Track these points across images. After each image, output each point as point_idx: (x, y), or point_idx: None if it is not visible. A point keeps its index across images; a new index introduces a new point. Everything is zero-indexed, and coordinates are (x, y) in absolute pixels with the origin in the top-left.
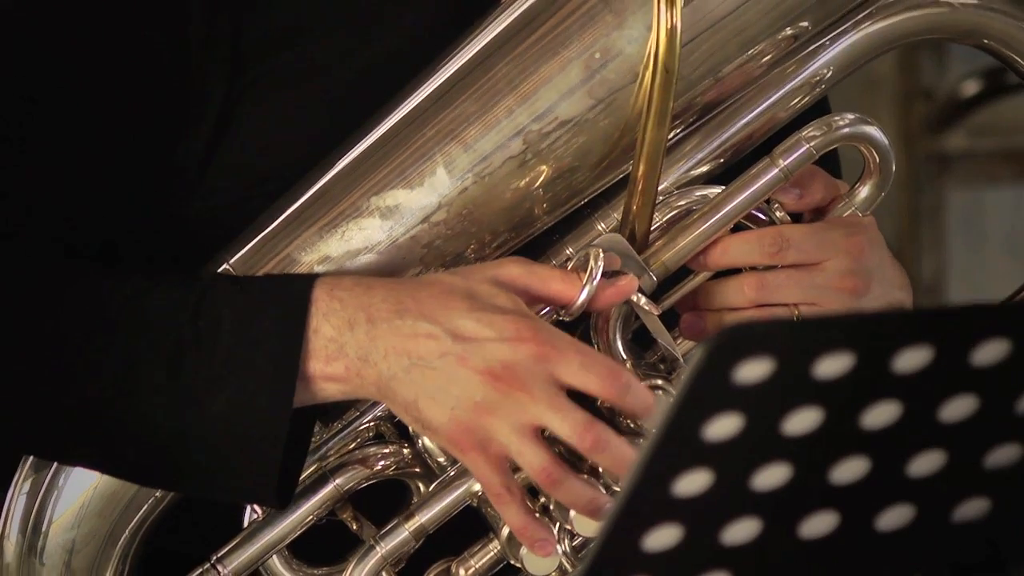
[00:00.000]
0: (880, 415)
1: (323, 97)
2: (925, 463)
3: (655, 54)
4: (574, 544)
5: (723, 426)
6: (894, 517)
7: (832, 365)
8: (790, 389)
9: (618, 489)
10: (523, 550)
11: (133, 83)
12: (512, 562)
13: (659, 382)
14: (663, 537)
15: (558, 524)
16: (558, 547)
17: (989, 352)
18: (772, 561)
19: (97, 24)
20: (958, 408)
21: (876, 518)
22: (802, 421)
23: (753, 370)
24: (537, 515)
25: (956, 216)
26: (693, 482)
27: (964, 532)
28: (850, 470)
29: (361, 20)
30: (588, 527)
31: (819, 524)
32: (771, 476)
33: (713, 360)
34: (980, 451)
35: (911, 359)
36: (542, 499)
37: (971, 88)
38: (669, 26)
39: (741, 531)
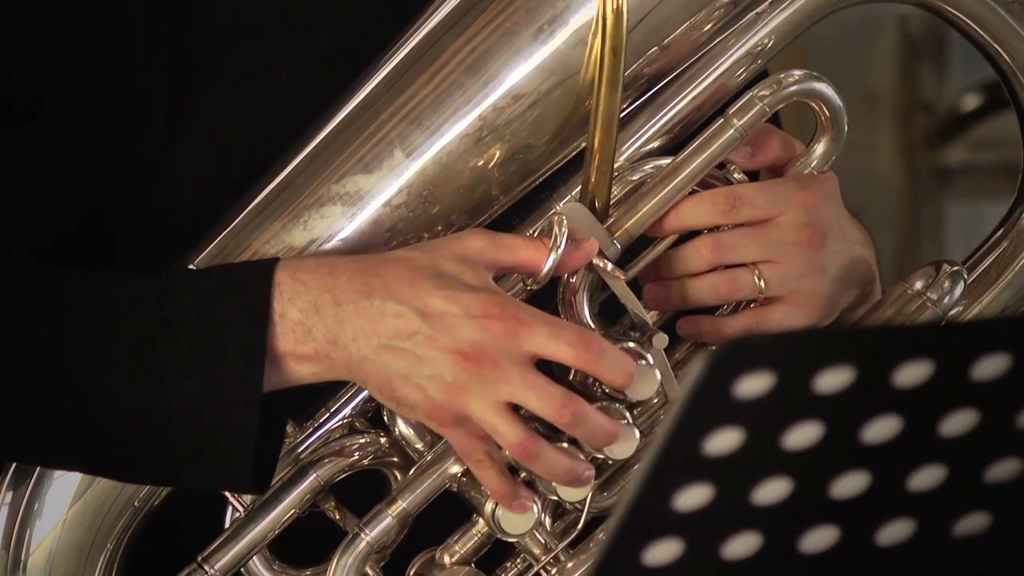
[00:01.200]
0: (880, 429)
1: (274, 92)
2: (925, 478)
3: (603, 29)
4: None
5: (723, 440)
6: (894, 532)
7: (832, 379)
8: (790, 403)
9: (599, 456)
10: (499, 510)
11: (78, 84)
12: (497, 535)
13: (631, 345)
14: (663, 552)
15: (543, 497)
16: (534, 506)
17: (989, 367)
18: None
19: (37, 27)
20: (958, 422)
21: (876, 533)
22: (802, 435)
23: (753, 384)
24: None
25: (956, 230)
26: (693, 497)
27: (965, 547)
28: (850, 485)
29: (304, 14)
30: (574, 494)
31: (819, 539)
32: (771, 491)
33: (713, 374)
34: (980, 466)
35: (911, 373)
36: (523, 474)
37: (971, 102)
38: (615, 6)
39: (742, 546)
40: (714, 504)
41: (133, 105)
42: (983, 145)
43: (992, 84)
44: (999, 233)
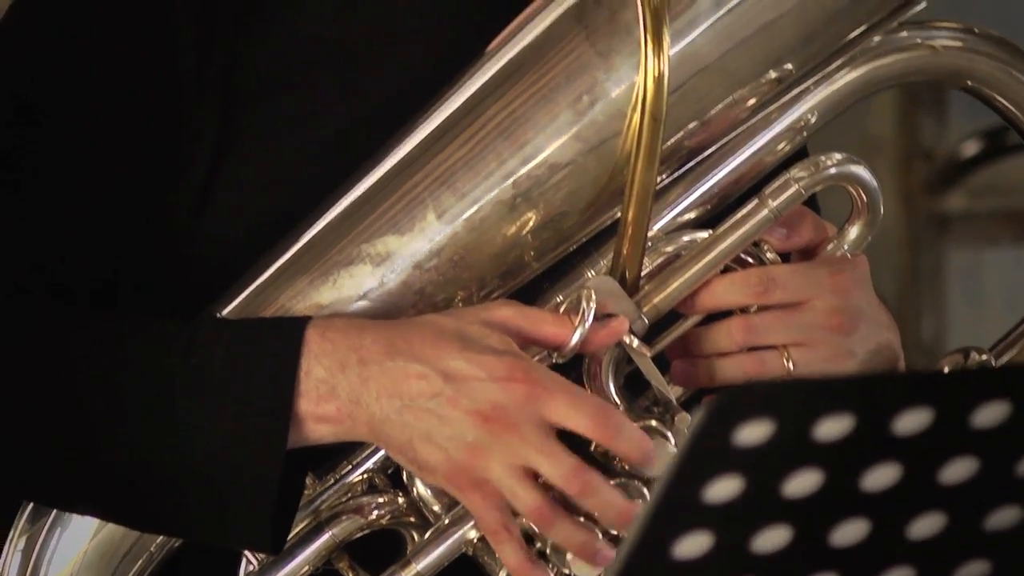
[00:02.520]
0: (880, 477)
1: (314, 145)
2: (925, 525)
3: (643, 100)
4: None
5: (723, 488)
6: None
7: (832, 427)
8: (790, 451)
9: (614, 534)
10: None
11: (125, 124)
12: None
13: (653, 423)
14: None
15: (555, 569)
16: None
17: (989, 415)
18: None
19: (89, 63)
20: (958, 470)
21: None
22: (802, 483)
23: (753, 432)
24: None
25: (956, 276)
26: (693, 544)
27: None
28: (850, 532)
29: (350, 68)
30: (586, 570)
31: None
32: (771, 538)
33: (713, 422)
34: (981, 514)
35: (911, 421)
36: (538, 544)
37: (971, 148)
38: (656, 74)
39: None
40: (714, 552)
41: (180, 145)
42: (983, 192)
43: (992, 131)
44: None
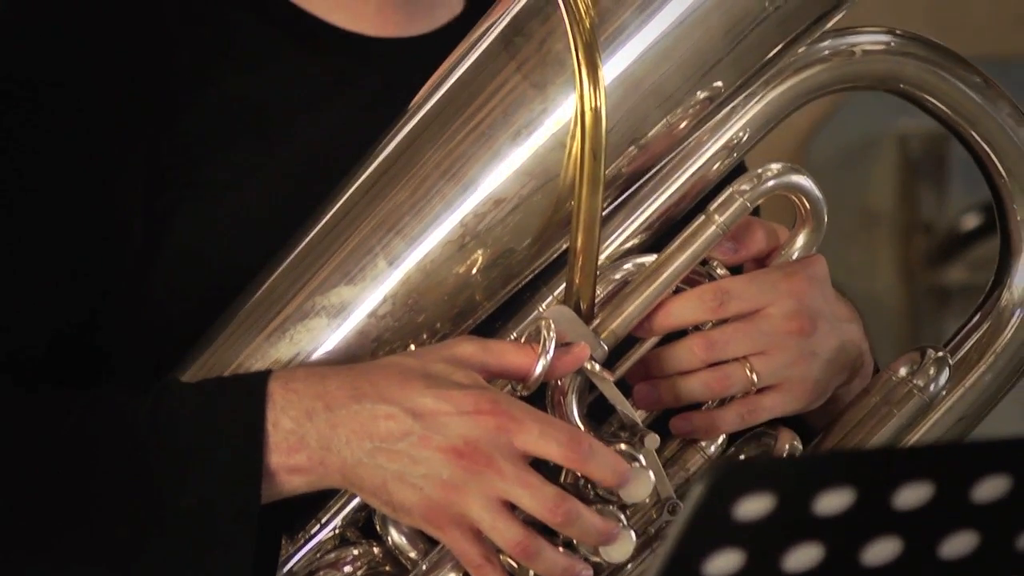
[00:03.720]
0: (881, 551)
1: (249, 202)
2: None
3: (582, 133)
4: None
5: (724, 562)
6: None
7: (832, 501)
8: (790, 525)
9: (596, 560)
10: None
11: (58, 197)
12: None
13: (622, 447)
14: None
15: None
16: None
17: (989, 488)
18: None
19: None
20: (959, 544)
21: None
22: (802, 557)
23: (753, 506)
24: None
25: None
26: None
27: None
28: None
29: (274, 126)
30: None
31: None
32: None
33: (713, 496)
34: None
35: (911, 495)
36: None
37: (971, 222)
38: (593, 107)
39: None
40: None
41: (112, 213)
42: (983, 265)
43: (991, 204)
44: (978, 315)
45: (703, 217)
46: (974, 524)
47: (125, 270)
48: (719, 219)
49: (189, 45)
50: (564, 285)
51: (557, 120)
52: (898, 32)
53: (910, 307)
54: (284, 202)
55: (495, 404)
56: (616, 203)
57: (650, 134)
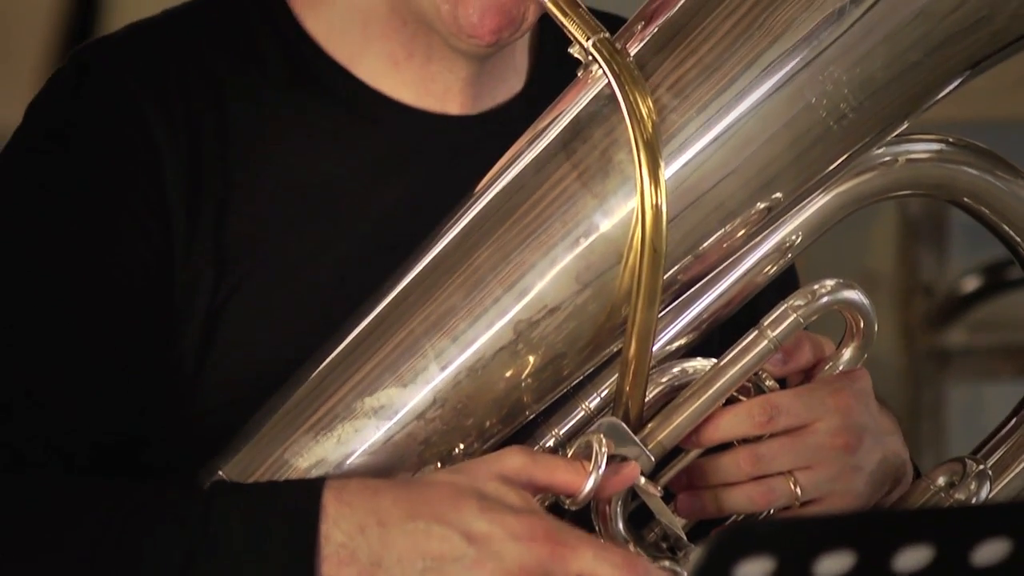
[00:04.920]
0: None
1: (306, 287)
2: None
3: (642, 234)
4: None
5: None
6: None
7: (833, 564)
8: None
9: None
10: None
11: (122, 284)
12: None
13: (666, 563)
14: None
15: None
16: None
17: (990, 551)
18: None
19: (83, 225)
20: None
21: None
22: None
23: (754, 569)
24: None
25: (956, 412)
26: None
27: None
28: None
29: (335, 208)
30: None
31: None
32: None
33: (714, 559)
34: None
35: (912, 558)
36: None
37: (971, 284)
38: (654, 204)
39: None
40: None
41: (176, 307)
42: (983, 327)
43: (991, 266)
44: (1015, 420)
45: (756, 332)
46: None
47: (186, 354)
48: (772, 334)
49: (252, 126)
50: (609, 384)
51: (615, 229)
52: (951, 140)
53: (910, 369)
54: (343, 286)
55: (549, 531)
56: (669, 307)
57: (707, 244)
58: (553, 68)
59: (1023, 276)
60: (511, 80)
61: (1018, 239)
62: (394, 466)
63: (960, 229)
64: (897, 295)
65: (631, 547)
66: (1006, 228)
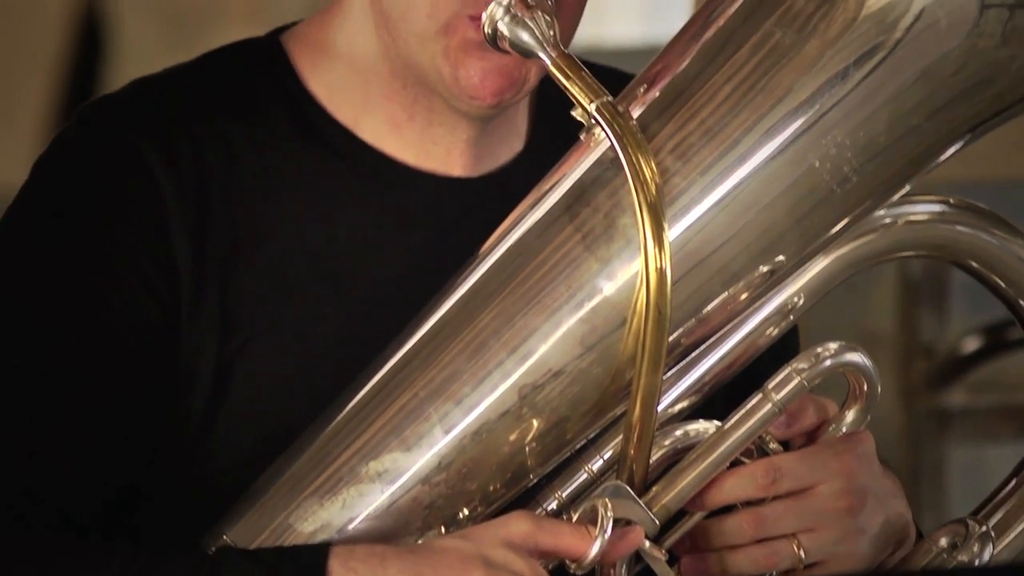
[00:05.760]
0: None
1: (310, 352)
2: None
3: (647, 297)
4: None
5: None
6: None
7: None
8: None
9: None
10: None
11: (126, 347)
12: None
13: None
14: None
15: None
16: None
17: None
18: None
19: (90, 289)
20: None
21: None
22: None
23: None
24: None
25: (957, 473)
26: None
27: None
28: None
29: (338, 273)
30: None
31: None
32: None
33: None
34: None
35: None
36: None
37: (971, 344)
38: (659, 267)
39: None
40: None
41: (182, 368)
42: (983, 388)
43: (991, 327)
44: (1014, 482)
45: (760, 395)
46: None
47: (188, 422)
48: (776, 397)
49: (258, 184)
50: (612, 446)
51: (619, 292)
52: (952, 201)
53: (910, 429)
54: (347, 347)
55: None
56: (672, 370)
57: (710, 307)
58: (553, 128)
59: (1023, 336)
60: (512, 141)
61: (1018, 299)
62: (399, 531)
63: (960, 289)
64: (898, 355)
65: None
66: (1006, 288)
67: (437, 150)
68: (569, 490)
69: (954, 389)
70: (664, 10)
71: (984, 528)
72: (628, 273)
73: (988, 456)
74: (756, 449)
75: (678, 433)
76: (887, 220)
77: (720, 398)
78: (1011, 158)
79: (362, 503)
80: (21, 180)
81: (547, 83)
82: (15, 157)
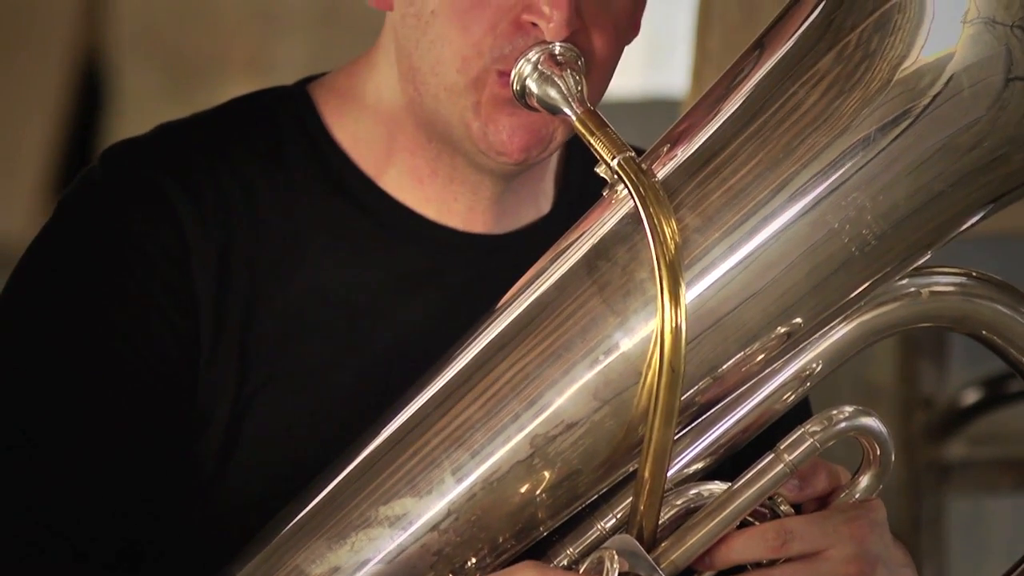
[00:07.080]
0: None
1: (327, 396)
2: None
3: (661, 354)
4: None
5: None
6: None
7: None
8: None
9: None
10: None
11: (146, 384)
12: None
13: None
14: None
15: None
16: None
17: None
18: None
19: (111, 325)
20: None
21: None
22: None
23: None
24: None
25: (956, 525)
26: None
27: None
28: None
29: (358, 318)
30: None
31: None
32: None
33: None
34: None
35: None
36: None
37: (971, 397)
38: (674, 325)
39: None
40: None
41: (199, 408)
42: (983, 440)
43: (992, 379)
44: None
45: (772, 455)
46: None
47: (206, 458)
48: (788, 458)
49: (280, 232)
50: (625, 506)
51: (635, 347)
52: (974, 274)
53: (909, 482)
54: (363, 395)
55: None
56: (684, 430)
57: (726, 367)
58: (580, 194)
59: (1023, 389)
60: (539, 202)
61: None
62: None
63: (960, 342)
64: (897, 408)
65: None
66: (1017, 355)
67: (458, 207)
68: (581, 547)
69: (954, 441)
70: (664, 64)
71: None
72: (645, 329)
73: (988, 508)
74: (768, 511)
75: (691, 493)
76: (910, 290)
77: (729, 459)
78: (1019, 212)
79: (372, 547)
80: (22, 229)
81: (575, 149)
82: (16, 207)
